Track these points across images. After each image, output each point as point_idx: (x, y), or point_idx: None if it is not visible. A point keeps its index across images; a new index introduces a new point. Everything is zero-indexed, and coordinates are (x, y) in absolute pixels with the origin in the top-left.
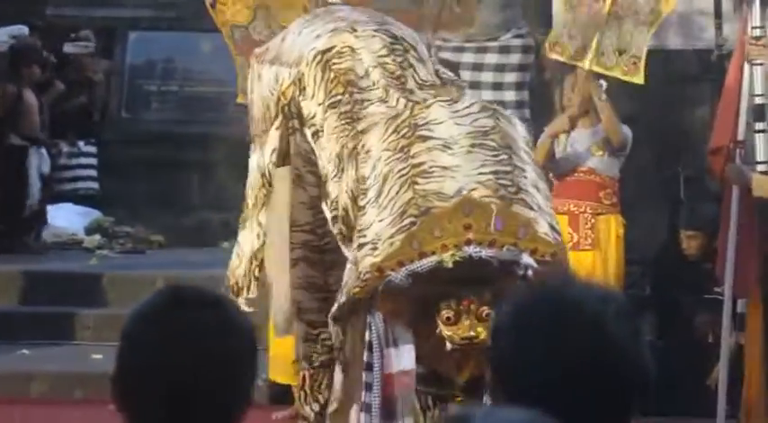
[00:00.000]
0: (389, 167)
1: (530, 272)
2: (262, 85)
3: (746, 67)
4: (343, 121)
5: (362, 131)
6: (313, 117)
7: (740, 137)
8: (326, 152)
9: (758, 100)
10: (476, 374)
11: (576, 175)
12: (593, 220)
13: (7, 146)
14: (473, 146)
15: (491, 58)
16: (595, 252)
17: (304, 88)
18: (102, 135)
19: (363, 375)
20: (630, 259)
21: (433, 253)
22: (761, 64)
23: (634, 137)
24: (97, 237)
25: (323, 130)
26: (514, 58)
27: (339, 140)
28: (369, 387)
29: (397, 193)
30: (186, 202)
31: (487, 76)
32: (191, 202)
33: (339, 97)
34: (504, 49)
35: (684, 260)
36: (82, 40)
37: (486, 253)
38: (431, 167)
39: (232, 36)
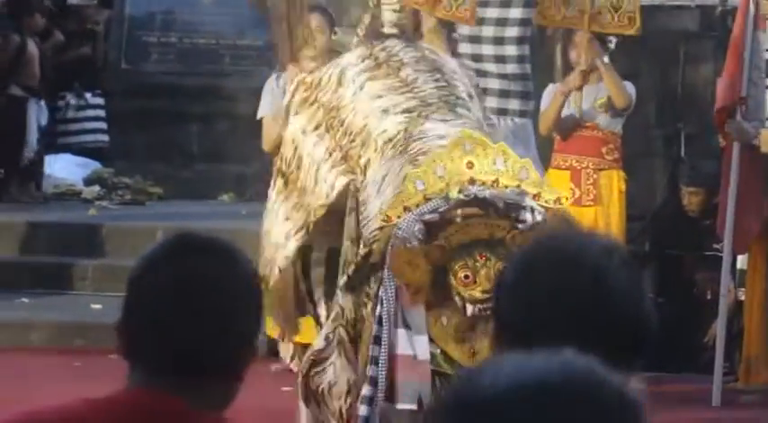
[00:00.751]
0: (388, 168)
1: (538, 217)
2: (305, 146)
3: (751, 22)
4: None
5: None
6: (366, 203)
7: (743, 93)
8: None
9: None
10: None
11: (578, 130)
12: (595, 176)
13: (8, 96)
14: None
15: (492, 13)
16: (597, 207)
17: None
18: (102, 86)
19: (370, 349)
20: (630, 215)
21: (438, 197)
22: None
23: (636, 93)
24: (96, 188)
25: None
26: (516, 13)
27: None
28: (375, 361)
29: (398, 173)
30: (185, 153)
31: (488, 31)
32: (190, 154)
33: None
34: (505, 3)
35: (684, 217)
36: None
37: (490, 193)
38: (429, 149)
39: None
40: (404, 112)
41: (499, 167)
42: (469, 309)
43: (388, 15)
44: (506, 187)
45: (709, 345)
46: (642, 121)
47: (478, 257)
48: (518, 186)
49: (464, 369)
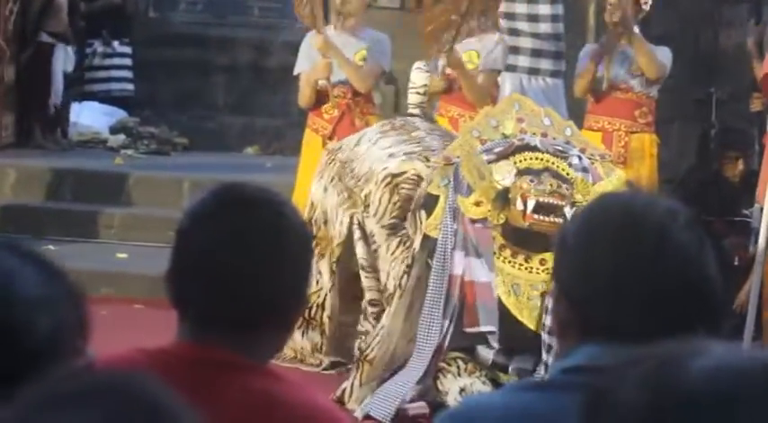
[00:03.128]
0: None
1: (585, 162)
2: (326, 201)
3: None
4: (406, 244)
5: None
6: (373, 235)
7: None
8: (394, 272)
9: None
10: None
11: (612, 93)
12: (626, 139)
13: (38, 43)
14: None
15: None
16: (628, 170)
17: (368, 206)
18: (129, 35)
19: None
20: (661, 179)
21: (492, 140)
22: None
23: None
24: (121, 136)
25: (381, 249)
26: None
27: (404, 260)
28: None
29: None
30: (211, 104)
31: None
32: (215, 105)
33: (398, 221)
34: None
35: (713, 181)
36: None
37: (540, 140)
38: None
39: None
40: (406, 154)
41: (547, 124)
42: (531, 204)
43: (412, 98)
44: (554, 139)
45: (737, 311)
46: (674, 85)
47: (544, 176)
48: (566, 142)
49: (649, 362)
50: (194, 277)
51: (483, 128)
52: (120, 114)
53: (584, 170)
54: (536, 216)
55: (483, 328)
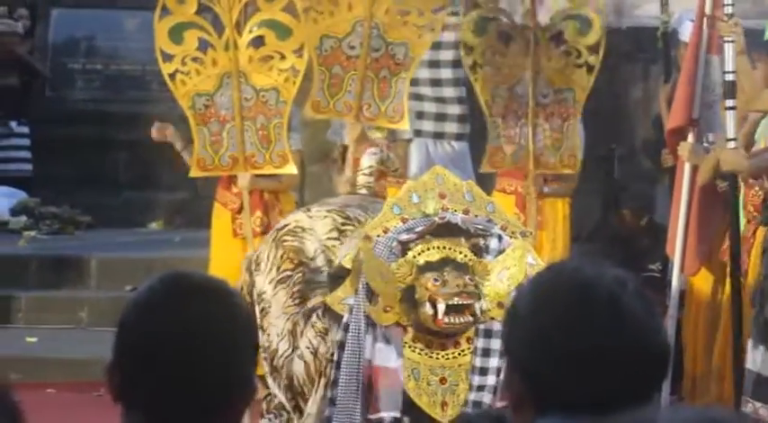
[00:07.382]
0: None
1: (504, 244)
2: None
3: (704, 46)
4: (295, 300)
5: (312, 309)
6: (263, 293)
7: (695, 115)
8: (277, 328)
9: (729, 77)
10: (456, 414)
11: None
12: (539, 202)
13: None
14: None
15: None
16: (542, 232)
17: (258, 264)
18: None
19: (335, 353)
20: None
21: (414, 219)
22: (732, 41)
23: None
24: (23, 218)
25: (271, 307)
26: (449, 36)
27: (291, 318)
28: (338, 365)
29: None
30: (112, 181)
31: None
32: (117, 182)
33: (289, 273)
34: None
35: (618, 238)
36: (16, 19)
37: (461, 218)
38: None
39: (194, 106)
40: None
41: (469, 200)
42: (441, 308)
43: (360, 179)
44: (476, 216)
45: None
46: None
47: (446, 272)
48: (488, 219)
49: None
50: (145, 369)
51: (405, 204)
52: (20, 195)
53: (501, 253)
54: (447, 319)
55: (384, 414)
